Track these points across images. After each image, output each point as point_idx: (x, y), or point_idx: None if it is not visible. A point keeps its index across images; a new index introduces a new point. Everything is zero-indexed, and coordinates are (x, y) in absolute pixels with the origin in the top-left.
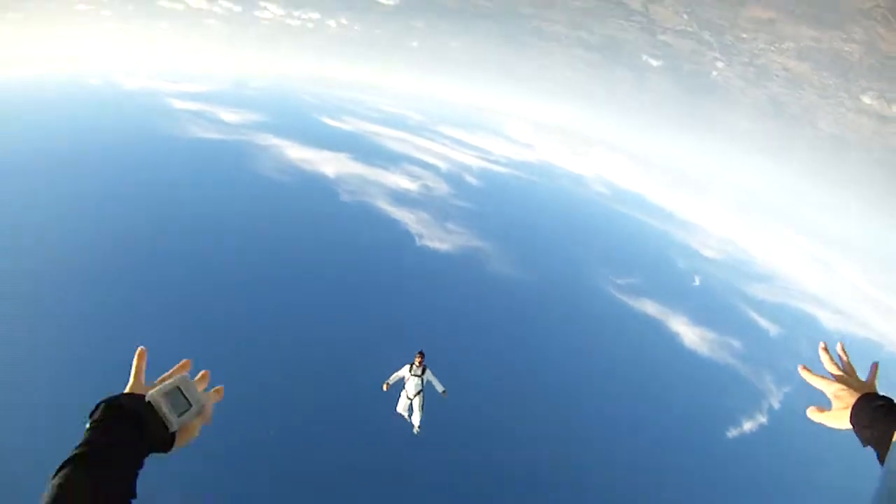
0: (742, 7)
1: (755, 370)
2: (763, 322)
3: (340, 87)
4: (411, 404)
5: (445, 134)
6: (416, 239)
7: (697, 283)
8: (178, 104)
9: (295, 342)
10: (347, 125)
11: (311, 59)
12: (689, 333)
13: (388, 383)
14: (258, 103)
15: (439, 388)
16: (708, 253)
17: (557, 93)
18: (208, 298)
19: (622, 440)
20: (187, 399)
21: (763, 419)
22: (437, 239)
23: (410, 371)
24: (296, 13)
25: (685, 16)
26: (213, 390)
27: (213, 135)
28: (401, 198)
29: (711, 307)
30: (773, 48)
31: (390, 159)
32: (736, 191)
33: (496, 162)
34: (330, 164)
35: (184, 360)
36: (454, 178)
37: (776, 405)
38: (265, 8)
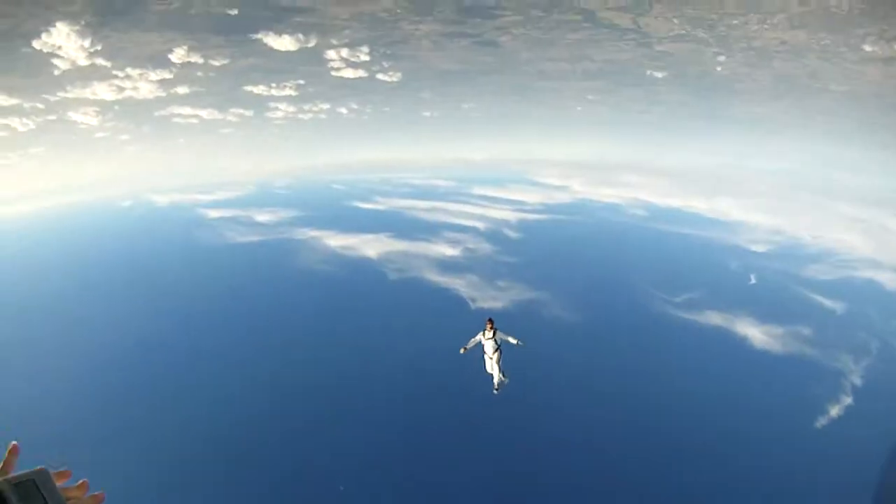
0: None
1: (830, 353)
2: (827, 302)
3: (365, 170)
4: (494, 366)
5: (478, 194)
6: (470, 303)
7: (754, 280)
8: (213, 213)
9: (373, 422)
10: (381, 205)
11: (331, 147)
12: (757, 334)
13: (465, 348)
14: (289, 200)
15: (513, 341)
16: (757, 248)
17: (576, 129)
18: (289, 396)
19: (719, 454)
20: (44, 498)
21: (848, 399)
22: (491, 298)
23: (484, 336)
24: (306, 107)
25: (675, 20)
26: (89, 496)
27: (251, 238)
28: (447, 266)
29: (773, 301)
30: (766, 25)
31: (429, 230)
32: (769, 177)
33: (533, 210)
34: (371, 247)
35: (64, 469)
36: (495, 236)
37: (858, 382)
38: (276, 108)
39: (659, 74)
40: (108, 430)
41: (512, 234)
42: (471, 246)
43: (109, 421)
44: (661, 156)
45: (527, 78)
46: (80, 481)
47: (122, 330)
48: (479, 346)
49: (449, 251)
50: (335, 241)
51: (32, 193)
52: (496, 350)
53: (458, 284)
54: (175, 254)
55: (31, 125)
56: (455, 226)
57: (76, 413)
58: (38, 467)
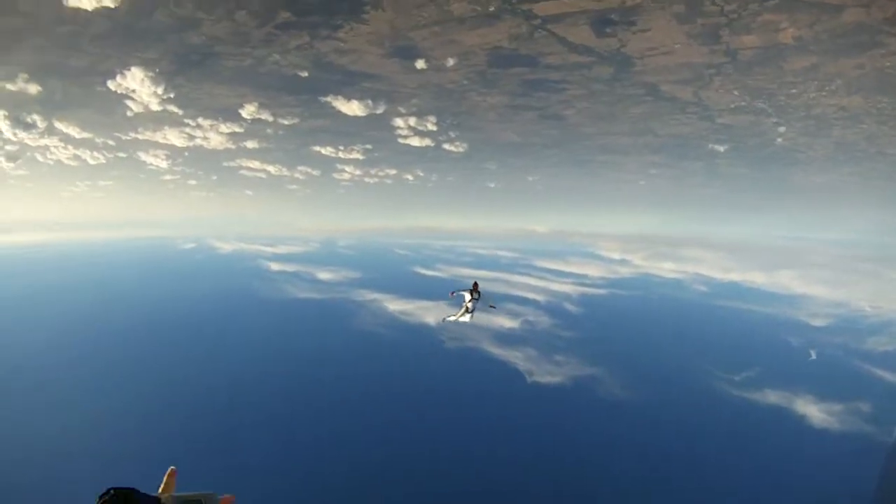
0: (784, 62)
1: (889, 430)
2: (889, 375)
3: (429, 237)
4: (465, 312)
5: (540, 266)
6: (527, 377)
7: (814, 356)
8: (275, 266)
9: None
10: (442, 272)
11: (396, 212)
12: (815, 412)
13: (453, 293)
14: (351, 260)
15: (490, 301)
16: (818, 322)
17: (638, 202)
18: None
19: None
20: None
21: None
22: (548, 373)
23: (471, 295)
24: (372, 171)
25: (735, 91)
26: None
27: (311, 294)
28: (506, 338)
29: (833, 378)
30: (824, 93)
31: None
32: (829, 248)
33: (594, 285)
34: (430, 314)
35: (228, 495)
36: (555, 309)
37: None
38: (343, 170)
39: (720, 148)
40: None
41: (572, 308)
42: (530, 318)
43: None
44: (722, 228)
45: (590, 152)
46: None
47: (168, 366)
48: (462, 299)
49: (508, 323)
50: (394, 305)
51: (98, 223)
52: (474, 308)
53: (516, 357)
54: (233, 301)
55: (102, 159)
56: (516, 297)
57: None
58: (208, 492)
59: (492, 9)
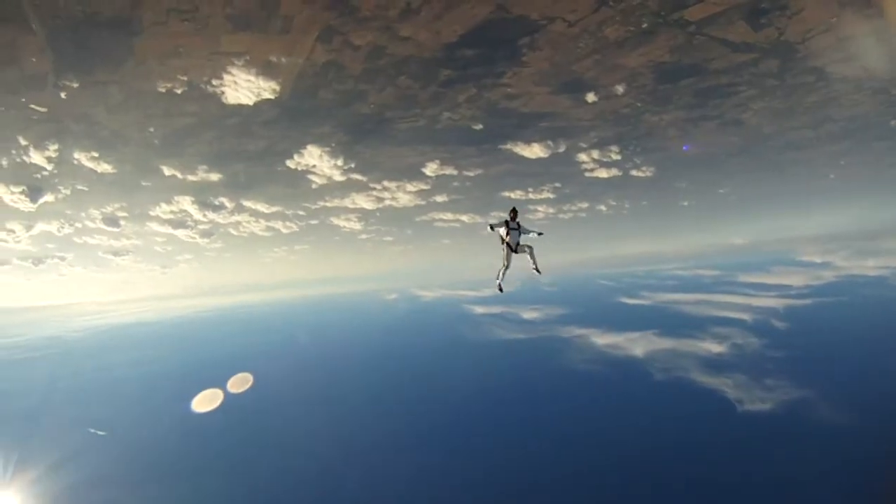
0: None
1: None
2: None
3: (631, 263)
4: (513, 256)
5: (742, 282)
6: (737, 406)
7: None
8: (479, 309)
9: None
10: (646, 300)
11: (594, 243)
12: None
13: (490, 225)
14: (554, 296)
15: (535, 233)
16: None
17: (832, 198)
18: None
19: None
20: None
21: None
22: (758, 400)
23: (508, 226)
24: (565, 207)
25: None
26: None
27: (517, 335)
28: (713, 364)
29: None
30: None
31: (695, 325)
32: None
33: (799, 296)
34: (637, 345)
35: None
36: (762, 328)
37: None
38: (536, 209)
39: None
40: None
41: (779, 324)
42: (738, 341)
43: None
44: None
45: (774, 152)
46: None
47: (387, 417)
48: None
49: (715, 348)
50: (601, 339)
51: (300, 282)
52: (518, 243)
53: (725, 385)
54: (440, 347)
55: (295, 228)
56: (721, 319)
57: None
58: None
59: (644, 25)
